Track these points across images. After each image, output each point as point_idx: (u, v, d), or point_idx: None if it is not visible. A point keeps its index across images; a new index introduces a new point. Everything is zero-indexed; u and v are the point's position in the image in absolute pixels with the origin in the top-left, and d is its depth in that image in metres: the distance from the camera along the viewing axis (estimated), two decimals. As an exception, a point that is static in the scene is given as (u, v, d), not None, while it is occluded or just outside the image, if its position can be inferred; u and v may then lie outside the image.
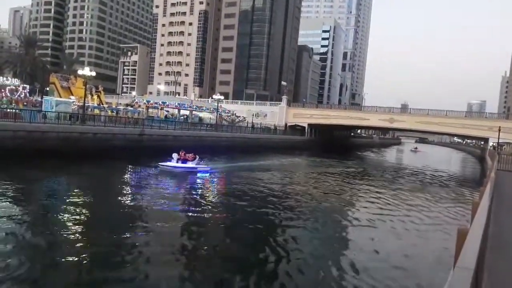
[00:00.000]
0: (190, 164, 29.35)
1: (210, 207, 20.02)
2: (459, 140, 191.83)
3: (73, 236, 13.43)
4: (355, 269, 12.17)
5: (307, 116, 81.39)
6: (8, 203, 17.06)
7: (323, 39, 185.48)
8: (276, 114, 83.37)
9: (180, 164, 28.95)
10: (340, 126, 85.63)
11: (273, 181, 30.81)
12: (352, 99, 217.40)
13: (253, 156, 47.04)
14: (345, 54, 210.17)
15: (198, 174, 29.40)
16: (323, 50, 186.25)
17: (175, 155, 29.31)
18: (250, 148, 54.23)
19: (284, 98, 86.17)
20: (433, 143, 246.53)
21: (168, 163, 28.79)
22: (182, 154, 29.54)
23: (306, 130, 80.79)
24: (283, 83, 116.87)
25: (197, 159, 29.97)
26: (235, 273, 11.54)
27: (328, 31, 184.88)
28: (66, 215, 15.84)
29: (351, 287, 10.96)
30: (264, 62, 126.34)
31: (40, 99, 50.28)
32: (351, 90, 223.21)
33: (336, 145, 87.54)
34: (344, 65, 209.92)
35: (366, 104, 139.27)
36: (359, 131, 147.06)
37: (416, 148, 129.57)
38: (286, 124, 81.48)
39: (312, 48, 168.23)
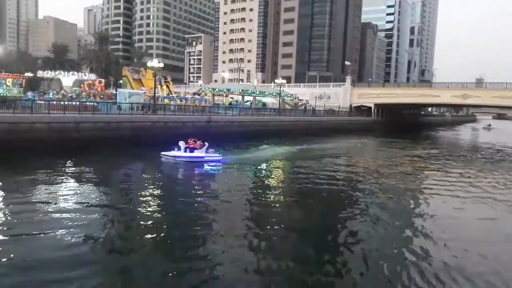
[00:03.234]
0: (197, 153, 25.94)
1: (270, 192, 20.36)
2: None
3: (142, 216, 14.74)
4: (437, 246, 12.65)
5: (373, 95, 78.96)
6: (95, 184, 19.02)
7: (388, 14, 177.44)
8: (340, 95, 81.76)
9: (183, 154, 25.79)
10: (409, 104, 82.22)
11: (340, 164, 30.53)
12: (422, 76, 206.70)
13: (317, 139, 47.00)
14: (412, 29, 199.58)
15: (206, 165, 25.82)
16: (389, 26, 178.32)
17: (182, 143, 26.07)
18: (314, 131, 54.10)
19: (348, 78, 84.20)
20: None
21: (172, 152, 25.78)
22: (191, 142, 26.24)
23: (372, 111, 78.50)
24: (347, 63, 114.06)
25: (205, 146, 26.31)
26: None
27: (393, 6, 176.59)
28: (141, 195, 17.36)
29: (435, 260, 11.33)
30: (326, 43, 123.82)
31: (114, 92, 53.72)
32: (420, 67, 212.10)
33: (405, 125, 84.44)
34: (411, 41, 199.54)
35: (437, 81, 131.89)
36: (429, 109, 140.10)
37: (489, 125, 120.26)
38: (351, 105, 79.70)
39: (376, 25, 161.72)
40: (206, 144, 26.31)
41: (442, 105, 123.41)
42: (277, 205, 17.67)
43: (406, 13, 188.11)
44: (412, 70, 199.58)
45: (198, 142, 26.29)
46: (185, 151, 25.84)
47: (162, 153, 25.85)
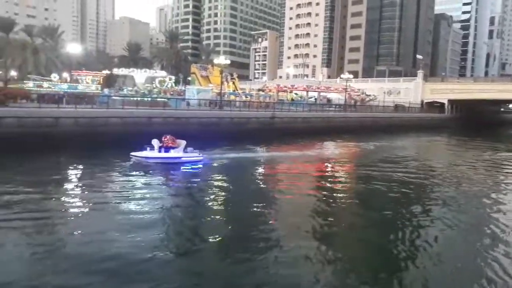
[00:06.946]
0: (173, 153, 22.59)
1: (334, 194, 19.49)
2: None
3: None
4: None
5: (447, 91, 74.85)
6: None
7: (464, 4, 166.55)
8: (411, 91, 78.38)
9: (157, 154, 22.36)
10: (487, 101, 76.81)
11: (408, 166, 27.68)
12: (502, 70, 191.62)
13: (384, 136, 45.43)
14: (492, 19, 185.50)
15: (183, 166, 22.50)
16: (465, 17, 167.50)
17: (155, 142, 22.43)
18: (381, 128, 52.42)
19: (420, 72, 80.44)
20: None
21: (144, 153, 22.20)
22: (166, 140, 22.62)
23: (445, 107, 74.53)
24: (418, 56, 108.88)
25: (182, 145, 22.91)
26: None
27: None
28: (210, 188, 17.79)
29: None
30: (397, 36, 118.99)
31: (183, 88, 55.66)
32: (500, 60, 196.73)
33: (482, 122, 79.05)
34: (491, 32, 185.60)
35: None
36: (510, 105, 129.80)
37: None
38: (422, 101, 76.24)
39: (451, 16, 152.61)
40: (184, 142, 22.95)
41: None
42: (331, 209, 16.44)
43: (486, 2, 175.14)
44: (491, 63, 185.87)
45: (178, 140, 22.91)
46: (160, 151, 22.54)
47: (132, 153, 22.21)
